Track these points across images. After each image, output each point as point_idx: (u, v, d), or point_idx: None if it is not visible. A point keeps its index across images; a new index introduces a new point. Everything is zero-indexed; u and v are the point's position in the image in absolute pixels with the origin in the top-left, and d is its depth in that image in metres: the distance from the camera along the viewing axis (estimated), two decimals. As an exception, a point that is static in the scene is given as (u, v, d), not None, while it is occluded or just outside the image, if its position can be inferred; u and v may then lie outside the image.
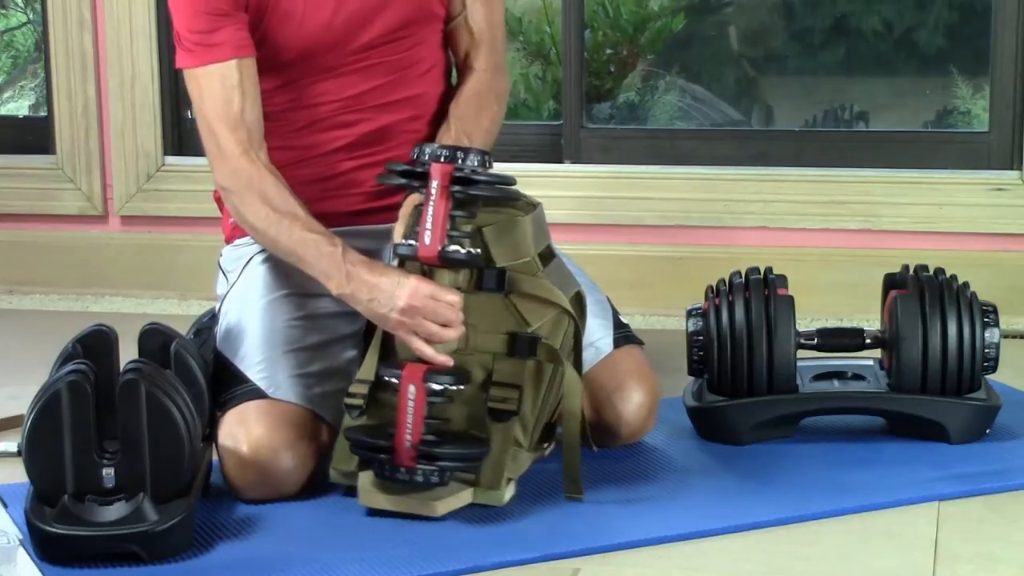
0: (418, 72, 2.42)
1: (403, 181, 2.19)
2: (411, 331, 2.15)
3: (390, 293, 2.16)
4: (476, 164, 2.13)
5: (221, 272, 2.49)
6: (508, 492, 2.17)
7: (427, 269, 2.18)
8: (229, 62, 2.29)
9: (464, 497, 2.15)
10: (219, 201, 2.52)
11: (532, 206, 2.22)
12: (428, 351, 2.15)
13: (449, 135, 2.35)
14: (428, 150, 2.15)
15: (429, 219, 2.13)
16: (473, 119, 2.38)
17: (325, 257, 2.22)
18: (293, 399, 2.25)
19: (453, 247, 2.13)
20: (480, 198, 2.15)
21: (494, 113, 2.42)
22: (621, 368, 2.37)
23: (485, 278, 2.16)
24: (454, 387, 2.15)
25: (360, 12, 2.34)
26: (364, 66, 2.39)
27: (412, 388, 2.13)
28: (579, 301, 2.27)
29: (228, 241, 2.50)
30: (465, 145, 2.21)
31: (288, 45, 2.34)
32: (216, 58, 2.29)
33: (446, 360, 2.15)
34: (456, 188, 2.12)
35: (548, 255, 2.25)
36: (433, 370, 2.14)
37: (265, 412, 2.23)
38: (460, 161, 2.13)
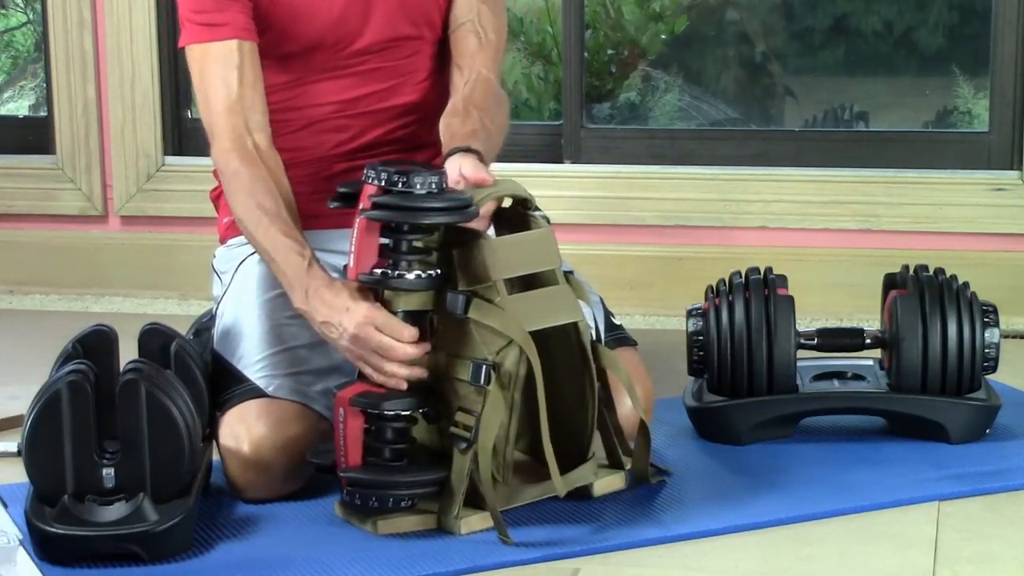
0: (415, 81, 2.43)
1: (338, 204, 2.17)
2: (359, 359, 2.11)
3: (339, 320, 2.10)
4: (420, 186, 2.04)
5: (215, 274, 2.50)
6: (465, 524, 2.09)
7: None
8: (230, 42, 2.30)
9: (408, 523, 2.10)
10: (216, 201, 2.52)
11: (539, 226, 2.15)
12: (378, 378, 2.10)
13: (471, 121, 2.28)
14: (370, 172, 2.08)
15: (353, 241, 2.10)
16: (491, 112, 2.33)
17: (292, 267, 2.17)
18: (293, 397, 2.25)
19: (381, 271, 2.07)
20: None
21: (505, 114, 2.40)
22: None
23: (448, 301, 2.08)
24: (392, 411, 2.08)
25: (361, 15, 2.35)
26: (362, 71, 2.39)
27: (341, 411, 2.11)
28: (568, 333, 2.14)
29: (222, 241, 2.50)
30: (414, 168, 2.09)
31: (290, 39, 2.35)
32: (218, 37, 2.30)
33: (397, 384, 2.09)
34: (372, 213, 2.05)
35: (542, 280, 2.14)
36: (370, 393, 2.10)
37: (266, 411, 2.22)
38: (399, 184, 2.05)
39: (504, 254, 2.10)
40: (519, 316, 2.08)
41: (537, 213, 2.17)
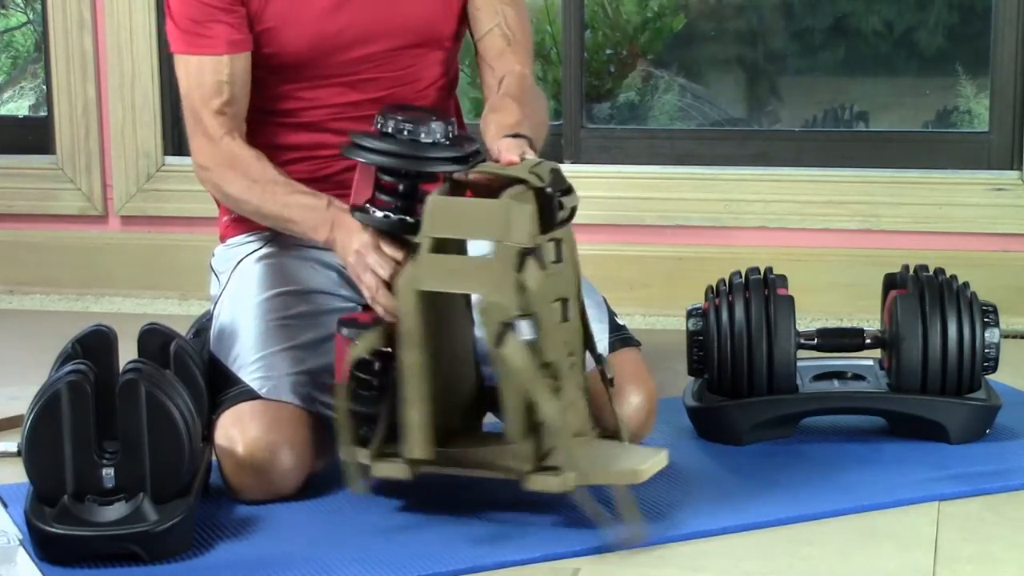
0: (418, 88, 2.43)
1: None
2: (357, 277, 2.18)
3: (348, 240, 2.18)
4: (424, 133, 2.13)
5: (213, 273, 2.50)
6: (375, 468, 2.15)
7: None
8: (222, 57, 2.31)
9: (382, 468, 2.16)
10: (217, 201, 2.52)
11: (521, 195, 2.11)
12: (370, 302, 2.16)
13: (512, 113, 2.27)
14: (377, 117, 2.17)
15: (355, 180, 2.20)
16: (531, 104, 2.34)
17: (310, 210, 2.23)
18: (288, 398, 2.25)
19: (367, 207, 2.16)
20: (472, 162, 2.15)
21: (544, 108, 2.40)
22: (616, 373, 2.36)
23: (412, 247, 2.13)
24: (352, 338, 2.15)
25: (357, 27, 2.35)
26: (360, 79, 2.40)
27: (338, 332, 2.19)
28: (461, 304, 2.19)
29: (222, 240, 2.50)
30: (425, 116, 2.17)
31: (283, 50, 2.35)
32: (209, 51, 2.31)
33: (383, 314, 2.13)
34: (358, 158, 2.15)
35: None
36: (345, 320, 2.19)
37: (260, 412, 2.22)
38: (389, 128, 2.14)
39: (441, 214, 2.10)
40: (420, 273, 2.09)
41: (564, 198, 2.11)
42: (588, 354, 2.21)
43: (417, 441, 2.10)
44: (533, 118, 2.28)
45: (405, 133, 2.14)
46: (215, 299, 2.45)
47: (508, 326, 2.04)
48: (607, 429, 2.29)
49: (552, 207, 2.08)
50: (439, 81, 2.46)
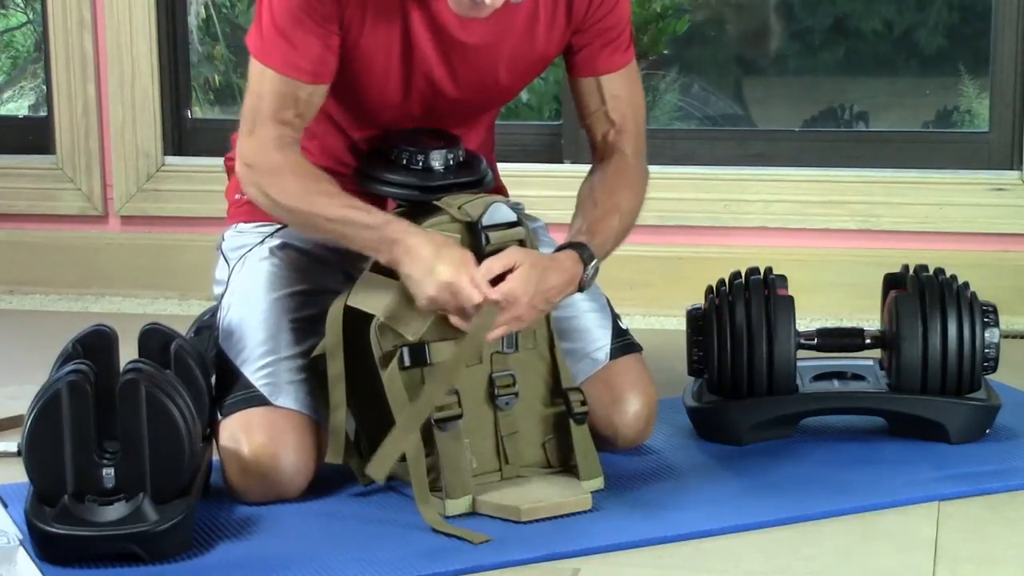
0: (465, 139, 2.40)
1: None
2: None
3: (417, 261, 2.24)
4: (434, 161, 2.25)
5: (221, 255, 2.48)
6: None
7: None
8: (299, 80, 2.23)
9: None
10: (230, 171, 2.47)
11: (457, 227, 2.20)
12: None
13: (581, 221, 2.34)
14: (390, 148, 2.29)
15: None
16: (615, 197, 2.38)
17: (364, 229, 2.19)
18: (295, 406, 2.25)
19: None
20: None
21: (636, 194, 2.41)
22: (617, 381, 2.36)
23: None
24: None
25: (441, 104, 2.34)
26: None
27: None
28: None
29: (231, 222, 2.48)
30: (432, 143, 2.27)
31: (358, 98, 2.33)
32: (288, 73, 2.22)
33: None
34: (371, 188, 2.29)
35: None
36: None
37: (267, 420, 2.22)
38: (409, 159, 2.26)
39: None
40: (357, 289, 2.20)
41: (497, 232, 2.19)
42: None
43: (332, 446, 2.22)
44: (607, 220, 2.34)
45: (414, 161, 2.25)
46: (223, 283, 2.43)
47: (395, 351, 2.15)
48: (603, 439, 2.33)
49: (478, 240, 2.18)
50: (487, 121, 2.48)
